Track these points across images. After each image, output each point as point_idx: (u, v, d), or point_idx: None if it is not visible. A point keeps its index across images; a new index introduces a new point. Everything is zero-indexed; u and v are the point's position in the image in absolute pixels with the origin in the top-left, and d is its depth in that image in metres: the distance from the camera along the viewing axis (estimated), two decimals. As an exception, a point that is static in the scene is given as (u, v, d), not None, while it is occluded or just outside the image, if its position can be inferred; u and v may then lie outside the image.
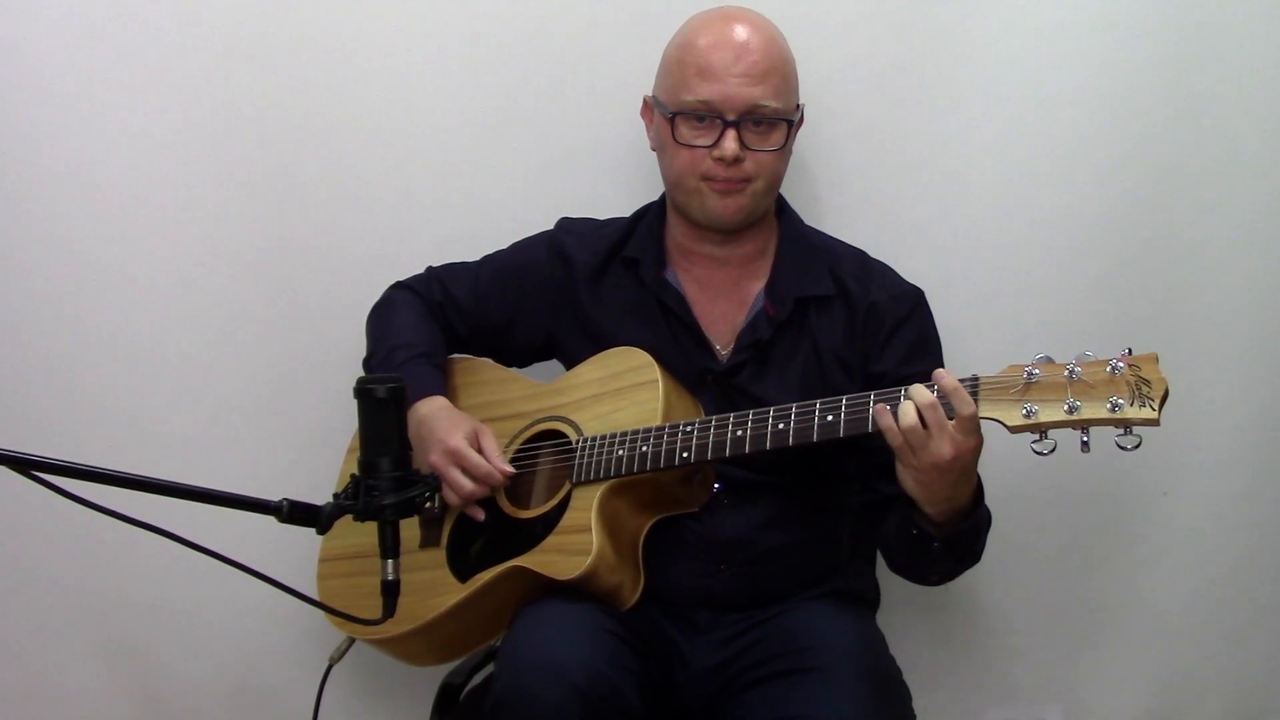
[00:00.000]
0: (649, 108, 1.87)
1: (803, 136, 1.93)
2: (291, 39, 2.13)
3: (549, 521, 1.76)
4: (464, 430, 1.79)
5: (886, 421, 1.51)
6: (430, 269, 2.04)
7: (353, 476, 1.41)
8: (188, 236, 2.18)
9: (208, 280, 2.19)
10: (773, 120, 1.76)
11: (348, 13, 2.14)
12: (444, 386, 1.90)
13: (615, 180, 2.12)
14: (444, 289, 1.99)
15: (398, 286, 2.03)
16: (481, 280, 1.98)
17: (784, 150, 1.80)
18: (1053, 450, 1.45)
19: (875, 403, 1.55)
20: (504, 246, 2.02)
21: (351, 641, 1.92)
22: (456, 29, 2.14)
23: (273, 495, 1.34)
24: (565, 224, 1.98)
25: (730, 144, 1.73)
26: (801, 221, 1.92)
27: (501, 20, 2.13)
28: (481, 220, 2.16)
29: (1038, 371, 1.45)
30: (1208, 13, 2.06)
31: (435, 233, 2.17)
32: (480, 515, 1.81)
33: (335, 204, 2.18)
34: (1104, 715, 2.26)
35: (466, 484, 1.76)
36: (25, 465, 1.20)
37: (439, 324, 1.98)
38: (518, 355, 2.00)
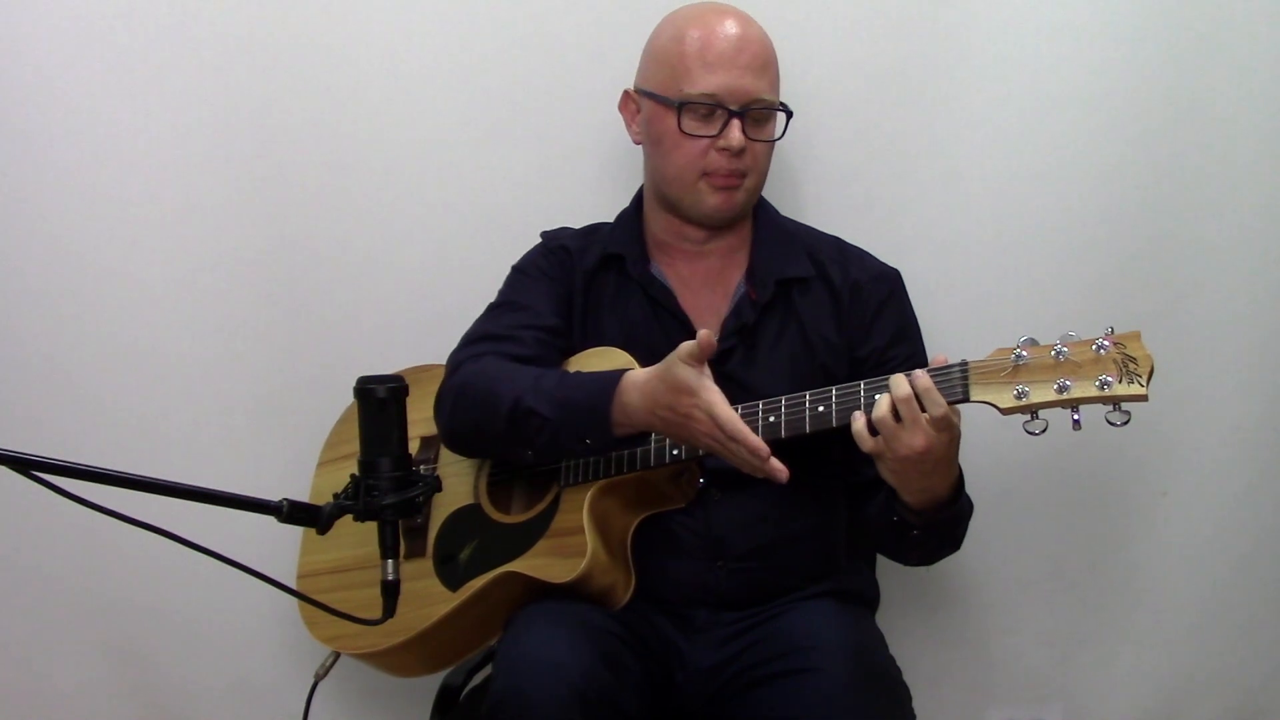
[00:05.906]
0: (631, 100, 1.87)
1: (803, 137, 1.92)
2: (291, 41, 2.13)
3: (539, 525, 1.75)
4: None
5: (858, 426, 1.53)
6: (462, 343, 1.87)
7: (353, 476, 1.41)
8: (188, 237, 2.18)
9: (208, 281, 2.19)
10: (770, 112, 1.79)
11: (347, 14, 2.14)
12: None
13: (615, 182, 2.11)
14: (494, 335, 1.83)
15: (456, 370, 1.82)
16: (514, 303, 1.88)
17: (774, 143, 1.82)
18: (1044, 430, 1.46)
19: (864, 390, 1.56)
20: (500, 255, 1.98)
21: (336, 656, 1.90)
22: (456, 31, 2.14)
23: (273, 495, 1.34)
24: (549, 234, 1.98)
25: (737, 134, 1.75)
26: (777, 212, 1.93)
27: (501, 22, 2.13)
28: (480, 221, 2.16)
29: (1025, 354, 1.46)
30: (1208, 13, 2.06)
31: (434, 234, 2.17)
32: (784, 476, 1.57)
33: (335, 205, 2.18)
34: (1104, 715, 2.26)
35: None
36: (25, 465, 1.20)
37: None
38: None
